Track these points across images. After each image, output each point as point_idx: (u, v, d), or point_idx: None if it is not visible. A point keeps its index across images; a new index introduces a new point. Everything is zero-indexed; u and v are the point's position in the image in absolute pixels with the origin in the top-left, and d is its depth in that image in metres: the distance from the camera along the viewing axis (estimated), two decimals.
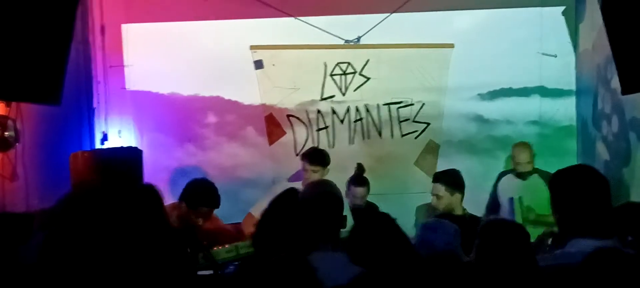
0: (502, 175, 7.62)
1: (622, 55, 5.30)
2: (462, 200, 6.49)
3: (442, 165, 6.86)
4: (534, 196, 7.05)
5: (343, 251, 3.93)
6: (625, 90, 5.41)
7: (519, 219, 6.92)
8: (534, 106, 8.30)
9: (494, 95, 8.33)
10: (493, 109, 8.35)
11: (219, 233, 6.41)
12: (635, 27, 5.10)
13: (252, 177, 8.22)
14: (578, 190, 3.73)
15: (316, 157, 7.14)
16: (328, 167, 7.13)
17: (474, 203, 7.14)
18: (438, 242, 4.45)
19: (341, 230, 4.23)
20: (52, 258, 3.67)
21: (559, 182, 3.85)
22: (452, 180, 6.46)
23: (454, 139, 8.41)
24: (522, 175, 7.32)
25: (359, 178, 6.98)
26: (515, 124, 8.33)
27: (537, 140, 8.05)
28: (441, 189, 6.42)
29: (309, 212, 4.11)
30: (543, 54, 8.12)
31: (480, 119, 8.38)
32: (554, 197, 3.84)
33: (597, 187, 3.72)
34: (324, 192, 4.32)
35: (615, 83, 6.07)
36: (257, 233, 3.96)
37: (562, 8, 8.15)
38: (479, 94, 8.34)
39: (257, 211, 7.02)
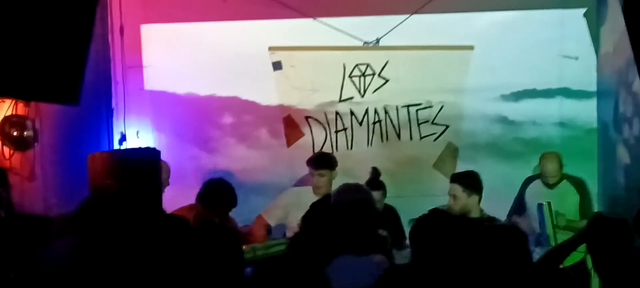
0: (529, 180, 7.55)
1: None
2: (479, 202, 6.44)
3: (468, 168, 6.77)
4: (563, 202, 7.01)
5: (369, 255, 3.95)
6: None
7: (549, 225, 6.89)
8: (558, 108, 8.24)
9: (517, 96, 8.27)
10: (518, 110, 8.29)
11: None
12: None
13: (269, 179, 8.18)
14: None
15: (321, 161, 7.16)
16: (336, 169, 7.12)
17: (502, 206, 7.25)
18: None
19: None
20: (85, 266, 3.69)
21: None
22: (469, 181, 6.41)
23: (479, 142, 8.35)
24: (549, 185, 7.26)
25: (374, 182, 6.95)
26: (542, 126, 8.27)
27: (564, 143, 8.02)
28: (458, 190, 6.37)
29: (340, 217, 4.12)
30: (564, 56, 8.07)
31: (505, 121, 8.32)
32: None
33: None
34: (356, 199, 4.33)
35: (637, 86, 6.04)
36: (296, 238, 3.96)
37: (584, 10, 8.08)
38: (501, 95, 8.28)
39: (267, 213, 7.05)
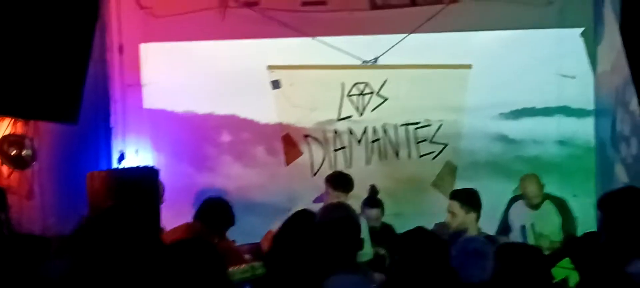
0: (513, 200, 7.56)
1: None
2: (477, 219, 6.41)
3: (481, 189, 6.75)
4: (545, 223, 7.00)
5: (358, 273, 3.93)
6: None
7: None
8: (558, 126, 8.24)
9: (517, 115, 8.28)
10: (517, 129, 8.30)
11: (231, 253, 6.41)
12: None
13: (267, 198, 8.18)
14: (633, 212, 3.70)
15: (340, 182, 7.08)
16: (350, 193, 7.09)
17: None
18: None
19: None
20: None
21: (610, 205, 3.82)
22: (467, 198, 6.37)
23: (479, 160, 8.35)
24: (532, 206, 7.26)
25: (372, 200, 6.96)
26: (542, 144, 8.27)
27: (564, 161, 8.04)
28: (456, 207, 6.32)
29: (326, 235, 4.10)
30: (562, 75, 8.08)
31: (505, 139, 8.33)
32: (606, 218, 3.80)
33: None
34: (341, 216, 4.32)
35: (634, 105, 6.04)
36: (270, 253, 3.95)
37: (581, 29, 8.11)
38: (500, 113, 8.29)
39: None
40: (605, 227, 3.94)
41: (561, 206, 7.39)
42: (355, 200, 6.87)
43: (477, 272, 4.37)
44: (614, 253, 3.80)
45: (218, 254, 3.68)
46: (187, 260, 3.57)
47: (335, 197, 6.92)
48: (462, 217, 6.28)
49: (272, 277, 3.71)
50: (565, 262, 4.90)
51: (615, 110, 7.47)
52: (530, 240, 6.79)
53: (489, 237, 6.28)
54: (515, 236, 7.13)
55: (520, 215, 7.28)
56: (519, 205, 7.41)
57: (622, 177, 7.34)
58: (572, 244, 4.66)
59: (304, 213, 4.06)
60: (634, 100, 5.75)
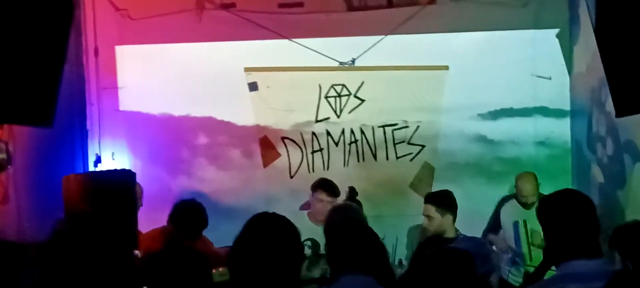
0: (504, 200, 7.59)
1: (615, 78, 5.29)
2: (454, 221, 6.42)
3: (448, 188, 6.76)
4: (537, 224, 7.02)
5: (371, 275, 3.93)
6: (619, 113, 5.40)
7: (524, 243, 6.93)
8: (537, 127, 8.28)
9: (495, 115, 8.30)
10: (496, 130, 8.32)
11: (209, 256, 6.36)
12: (628, 50, 5.09)
13: (245, 200, 8.14)
14: (565, 213, 3.71)
15: (333, 188, 7.15)
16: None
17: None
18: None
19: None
20: None
21: (545, 209, 3.85)
22: (442, 200, 6.38)
23: (459, 161, 8.36)
24: (526, 205, 7.26)
25: (350, 201, 6.96)
26: (521, 145, 8.31)
27: (545, 162, 8.10)
28: (432, 210, 6.33)
29: (338, 236, 4.11)
30: (537, 76, 8.12)
31: (484, 140, 8.35)
32: (543, 224, 3.83)
33: (583, 209, 3.71)
34: (351, 217, 4.34)
35: (610, 106, 6.07)
36: (233, 257, 3.89)
37: (556, 30, 8.15)
38: (479, 114, 8.31)
39: None
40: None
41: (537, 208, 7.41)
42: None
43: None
44: None
45: (203, 260, 3.66)
46: (171, 268, 3.55)
47: (328, 202, 6.94)
48: (438, 219, 6.29)
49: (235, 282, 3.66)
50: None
51: (591, 111, 7.52)
52: (523, 237, 6.84)
53: (467, 238, 6.32)
54: (506, 234, 7.19)
55: (512, 214, 7.30)
56: (511, 204, 7.43)
57: (598, 177, 7.39)
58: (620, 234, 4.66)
59: (264, 216, 4.02)
60: (610, 101, 5.78)
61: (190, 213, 6.44)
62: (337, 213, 4.76)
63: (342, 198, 7.02)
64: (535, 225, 6.78)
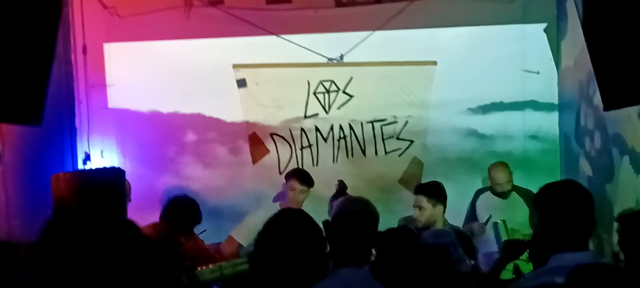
0: (479, 192, 7.63)
1: (603, 72, 5.31)
2: (444, 212, 6.46)
3: (447, 184, 6.78)
4: (513, 213, 7.05)
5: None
6: (607, 107, 5.42)
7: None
8: (527, 121, 8.33)
9: (485, 110, 8.33)
10: (487, 124, 8.36)
11: (200, 253, 6.38)
12: (616, 44, 5.12)
13: (234, 196, 8.16)
14: (561, 205, 3.72)
15: (306, 176, 7.14)
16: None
17: None
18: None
19: None
20: None
21: (543, 198, 3.85)
22: (434, 191, 6.41)
23: (450, 156, 8.39)
24: (501, 194, 7.34)
25: (340, 195, 6.96)
26: (514, 139, 8.35)
27: (537, 156, 8.17)
28: (423, 201, 6.35)
29: (345, 227, 4.12)
30: (525, 70, 8.15)
31: (475, 134, 8.38)
32: (540, 212, 3.84)
33: (583, 202, 3.73)
34: (361, 209, 4.35)
35: (598, 99, 6.09)
36: (256, 253, 3.91)
37: (544, 25, 8.18)
38: (469, 109, 8.35)
39: (238, 233, 7.00)
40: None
41: (528, 197, 7.46)
42: (323, 195, 6.91)
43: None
44: None
45: (179, 257, 3.67)
46: (149, 262, 3.55)
47: (301, 192, 6.96)
48: (430, 210, 6.32)
49: (257, 277, 3.68)
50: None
51: (579, 105, 7.55)
52: (503, 236, 6.85)
53: (457, 230, 6.35)
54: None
55: (487, 206, 7.34)
56: (486, 196, 7.48)
57: (586, 171, 7.42)
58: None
59: (289, 212, 4.05)
60: (597, 95, 5.80)
61: (184, 208, 6.46)
62: (348, 205, 4.75)
63: (332, 192, 7.01)
64: (509, 217, 6.84)
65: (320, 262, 3.64)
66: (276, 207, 6.97)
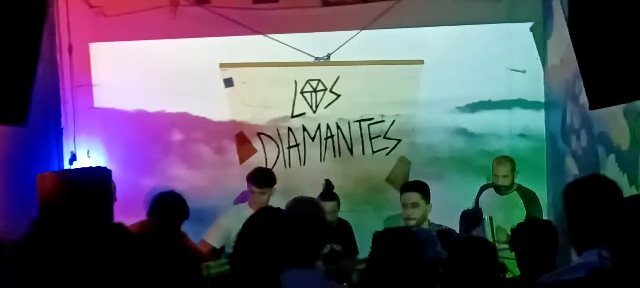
0: (483, 188, 7.66)
1: (589, 71, 5.33)
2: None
3: (433, 183, 6.78)
4: (509, 213, 7.07)
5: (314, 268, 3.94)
6: (593, 105, 5.43)
7: (489, 238, 6.96)
8: (518, 119, 8.33)
9: (474, 108, 8.33)
10: (476, 123, 8.36)
11: (195, 250, 6.40)
12: (602, 42, 5.13)
13: (221, 195, 8.11)
14: (589, 201, 3.73)
15: (264, 178, 7.18)
16: (275, 186, 7.18)
17: None
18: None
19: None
20: None
21: (573, 194, 3.86)
22: (426, 190, 6.43)
23: (441, 155, 8.39)
24: (500, 190, 7.36)
25: (327, 194, 6.96)
26: (502, 137, 8.34)
27: (528, 154, 8.18)
28: (418, 197, 6.35)
29: (295, 229, 4.11)
30: (512, 69, 8.17)
31: (464, 133, 8.37)
32: (569, 208, 3.84)
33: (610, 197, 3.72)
34: (310, 211, 4.34)
35: (584, 98, 6.09)
36: (236, 252, 3.92)
37: (530, 24, 8.20)
38: (457, 107, 8.34)
39: (210, 236, 6.98)
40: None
41: (528, 198, 7.48)
42: (310, 195, 6.89)
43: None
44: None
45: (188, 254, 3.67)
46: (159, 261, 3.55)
47: (261, 193, 6.98)
48: (423, 208, 6.33)
49: (235, 274, 3.68)
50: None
51: (565, 104, 7.57)
52: (488, 233, 6.88)
53: (441, 230, 6.36)
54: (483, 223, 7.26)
55: (487, 202, 7.37)
56: (488, 192, 7.52)
57: (572, 169, 7.44)
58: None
59: (269, 211, 4.05)
60: (583, 94, 5.81)
61: (171, 205, 6.46)
62: (298, 205, 4.75)
63: (319, 191, 7.01)
64: (506, 215, 6.86)
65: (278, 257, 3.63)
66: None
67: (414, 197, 6.34)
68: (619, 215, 3.40)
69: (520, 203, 7.40)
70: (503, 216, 7.05)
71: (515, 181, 7.57)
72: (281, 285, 3.81)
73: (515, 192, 7.47)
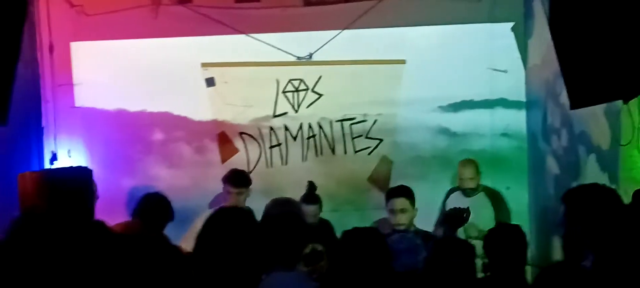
0: (450, 192, 7.66)
1: (569, 71, 5.36)
2: None
3: (416, 184, 6.78)
4: (478, 213, 7.07)
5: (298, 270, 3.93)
6: (574, 105, 5.48)
7: (461, 234, 6.98)
8: (498, 119, 8.34)
9: (456, 108, 8.33)
10: (459, 122, 8.35)
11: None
12: (582, 42, 5.16)
13: (203, 196, 8.08)
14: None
15: (240, 179, 7.20)
16: (251, 186, 7.21)
17: None
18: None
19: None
20: None
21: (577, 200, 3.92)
22: (412, 194, 6.45)
23: (424, 155, 8.38)
24: (466, 192, 7.38)
25: (310, 197, 6.94)
26: (486, 137, 8.34)
27: (512, 153, 8.24)
28: (407, 203, 6.36)
29: (274, 230, 4.10)
30: (493, 69, 8.19)
31: (447, 132, 8.38)
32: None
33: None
34: (289, 211, 4.33)
35: (564, 98, 6.15)
36: (194, 253, 3.86)
37: (511, 24, 8.23)
38: (439, 107, 8.33)
39: (186, 241, 6.95)
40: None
41: (495, 198, 7.51)
42: (292, 195, 6.88)
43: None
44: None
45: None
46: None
47: (238, 194, 7.00)
48: (411, 212, 6.34)
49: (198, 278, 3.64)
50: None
51: (546, 103, 7.60)
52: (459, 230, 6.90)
53: (427, 234, 6.37)
54: None
55: (455, 203, 7.35)
56: (455, 195, 7.52)
57: (553, 169, 7.48)
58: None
59: (225, 211, 4.01)
60: (564, 93, 5.85)
61: (157, 205, 6.45)
62: (276, 207, 4.74)
63: (301, 191, 7.00)
64: (474, 216, 6.87)
65: (258, 260, 3.61)
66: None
67: (402, 203, 6.34)
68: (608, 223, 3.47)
69: (488, 203, 7.42)
70: (473, 217, 7.06)
71: (480, 182, 7.58)
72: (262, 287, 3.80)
73: (482, 193, 7.49)
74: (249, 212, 3.83)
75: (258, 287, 3.74)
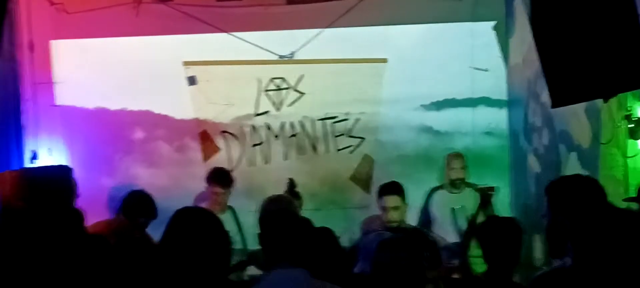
0: (433, 191, 7.64)
1: (550, 70, 5.39)
2: None
3: (401, 182, 6.78)
4: (468, 206, 7.09)
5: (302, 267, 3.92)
6: (555, 104, 5.50)
7: (460, 229, 6.99)
8: (481, 117, 8.35)
9: (438, 106, 8.33)
10: (442, 121, 8.35)
11: None
12: (563, 42, 5.18)
13: (185, 194, 8.02)
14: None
15: (225, 178, 7.24)
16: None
17: None
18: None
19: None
20: None
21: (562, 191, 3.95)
22: (403, 191, 6.47)
23: (408, 153, 8.37)
24: (454, 184, 7.36)
25: (290, 194, 6.95)
26: (469, 135, 8.34)
27: (496, 152, 8.25)
28: (399, 200, 6.40)
29: (272, 227, 4.09)
30: (475, 68, 8.20)
31: (430, 131, 8.37)
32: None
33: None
34: (285, 208, 4.33)
35: (545, 97, 6.17)
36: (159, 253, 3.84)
37: (493, 23, 8.25)
38: (422, 105, 8.33)
39: None
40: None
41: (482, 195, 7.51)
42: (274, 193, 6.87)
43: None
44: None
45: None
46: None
47: (222, 193, 7.03)
48: (403, 209, 6.37)
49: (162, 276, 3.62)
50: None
51: (527, 102, 7.63)
52: (459, 217, 6.92)
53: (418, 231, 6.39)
54: (437, 225, 7.24)
55: (442, 202, 7.37)
56: (440, 193, 7.50)
57: (534, 167, 7.51)
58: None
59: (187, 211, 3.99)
60: (545, 92, 5.87)
61: (142, 203, 6.45)
62: (272, 204, 4.73)
63: (281, 191, 6.99)
64: (466, 207, 6.88)
65: (222, 259, 3.60)
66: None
67: (395, 200, 6.39)
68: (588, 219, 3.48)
69: (475, 195, 7.41)
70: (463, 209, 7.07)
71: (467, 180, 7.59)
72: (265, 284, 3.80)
73: (468, 189, 7.48)
74: (212, 214, 3.81)
75: (260, 284, 3.74)
